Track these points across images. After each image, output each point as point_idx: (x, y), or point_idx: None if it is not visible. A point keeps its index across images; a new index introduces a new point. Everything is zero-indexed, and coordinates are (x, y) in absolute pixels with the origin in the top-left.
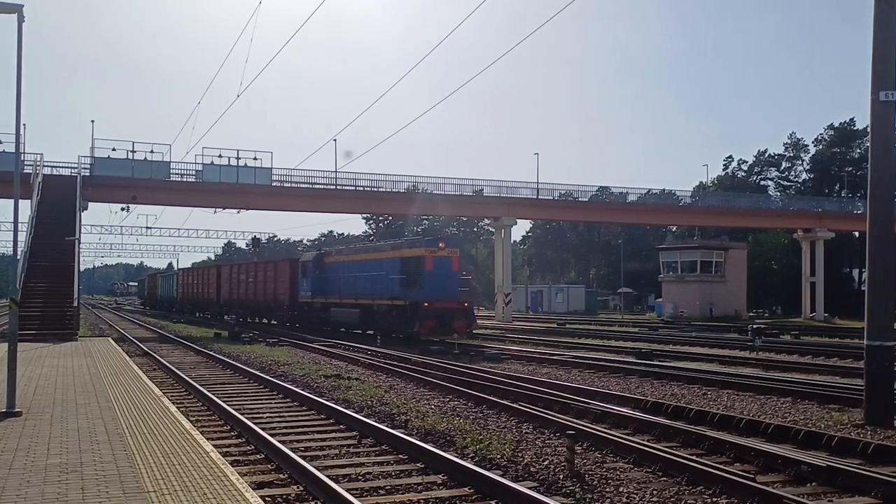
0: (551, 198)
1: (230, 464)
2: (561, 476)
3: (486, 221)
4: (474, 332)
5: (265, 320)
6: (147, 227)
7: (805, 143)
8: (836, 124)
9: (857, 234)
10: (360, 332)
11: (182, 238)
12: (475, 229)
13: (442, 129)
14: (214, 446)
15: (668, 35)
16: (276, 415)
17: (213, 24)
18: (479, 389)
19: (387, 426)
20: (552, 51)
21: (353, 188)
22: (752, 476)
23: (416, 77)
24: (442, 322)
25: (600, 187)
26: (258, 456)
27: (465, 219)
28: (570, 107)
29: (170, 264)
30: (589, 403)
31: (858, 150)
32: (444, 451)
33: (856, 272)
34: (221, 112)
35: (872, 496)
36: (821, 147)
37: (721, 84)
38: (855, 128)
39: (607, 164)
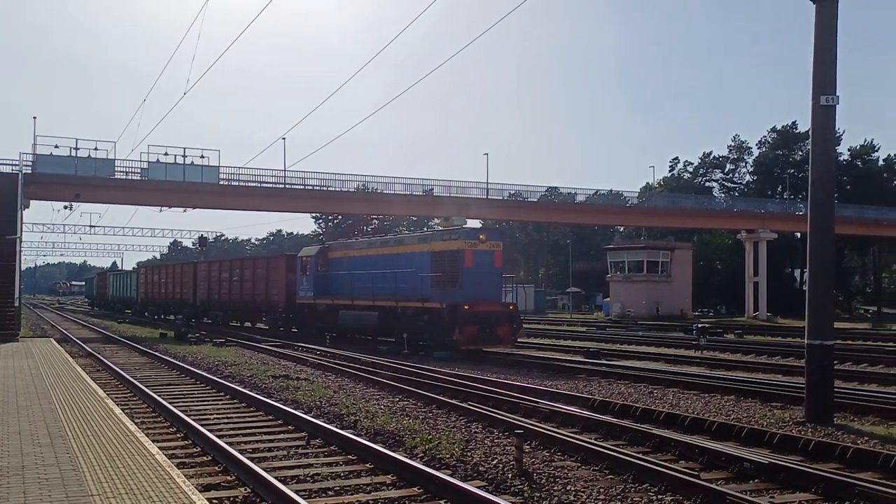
0: (501, 198)
1: (176, 466)
2: (509, 475)
3: (436, 221)
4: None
5: (250, 324)
6: (91, 226)
7: (749, 145)
8: (779, 127)
9: (798, 235)
10: (378, 338)
11: (127, 237)
12: (425, 229)
13: (394, 128)
14: (160, 448)
15: (617, 37)
16: (224, 416)
17: (160, 20)
18: (428, 389)
19: (336, 426)
20: (503, 51)
21: (302, 187)
22: (696, 473)
23: (369, 77)
24: (484, 329)
25: (549, 187)
26: (205, 458)
27: (415, 218)
28: (521, 107)
29: (114, 263)
30: (538, 402)
31: (800, 153)
32: (393, 451)
33: (798, 272)
34: (168, 110)
35: (812, 492)
36: (764, 149)
37: (668, 86)
38: (797, 131)
39: (556, 164)
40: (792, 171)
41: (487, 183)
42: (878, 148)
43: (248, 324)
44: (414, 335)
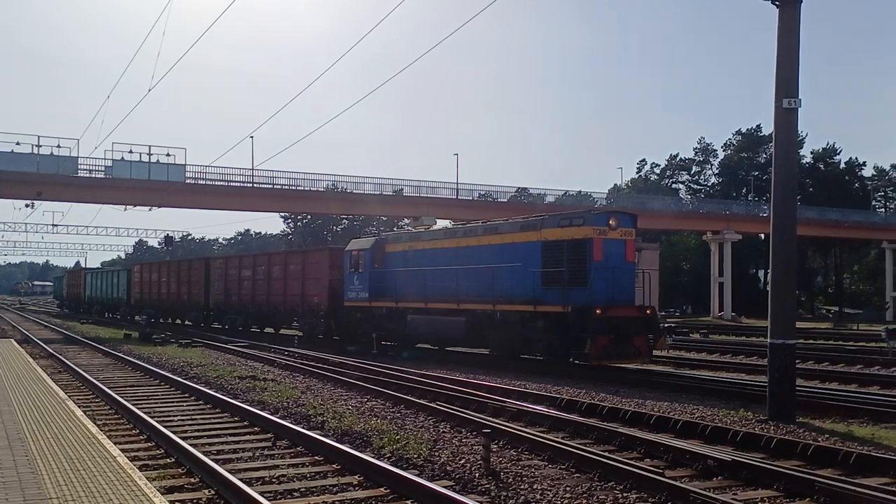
0: (470, 198)
1: (138, 468)
2: (477, 474)
3: (407, 221)
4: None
5: (272, 330)
6: (53, 225)
7: (714, 147)
8: (744, 130)
9: (762, 236)
10: (464, 349)
11: (90, 236)
12: (395, 229)
13: (366, 128)
14: (122, 451)
15: (586, 39)
16: (188, 417)
17: (124, 15)
18: (397, 389)
19: (303, 427)
20: (474, 51)
21: (270, 186)
22: (660, 471)
23: (341, 76)
24: (618, 339)
25: (519, 188)
26: (168, 460)
27: (385, 218)
28: (491, 107)
29: (77, 263)
30: (505, 402)
31: (764, 156)
32: (360, 451)
33: (762, 273)
34: (132, 106)
35: (774, 489)
36: (729, 152)
37: (635, 88)
38: (761, 134)
39: (526, 165)
40: (756, 173)
41: (457, 183)
42: (840, 151)
43: (268, 330)
44: (519, 345)
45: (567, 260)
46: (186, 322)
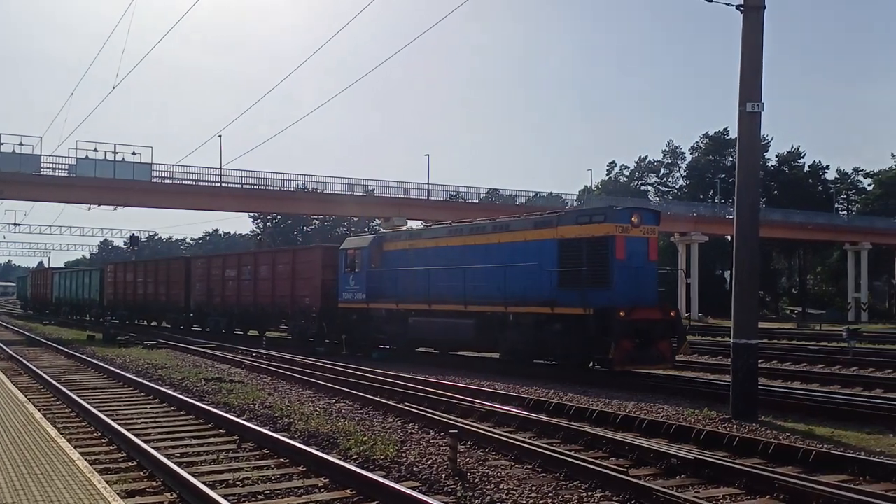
0: (442, 199)
1: (98, 472)
2: (443, 475)
3: (378, 222)
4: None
5: (257, 332)
6: (14, 224)
7: (682, 150)
8: (711, 133)
9: (728, 237)
10: (475, 352)
11: (54, 235)
12: (366, 230)
13: (339, 127)
14: (82, 454)
15: (558, 40)
16: (152, 420)
17: (89, 11)
18: (365, 390)
19: (269, 429)
20: (448, 51)
21: (239, 186)
22: (625, 470)
23: (315, 77)
24: (643, 342)
25: (490, 189)
26: (130, 463)
27: (356, 219)
28: (464, 107)
29: (40, 262)
30: (474, 402)
31: (731, 158)
32: (326, 453)
33: (728, 274)
34: (97, 104)
35: (736, 486)
36: (696, 155)
37: (606, 90)
38: (728, 137)
39: (497, 166)
40: (723, 175)
41: (428, 183)
42: (805, 154)
43: (253, 332)
44: (533, 350)
45: (587, 259)
46: (164, 324)
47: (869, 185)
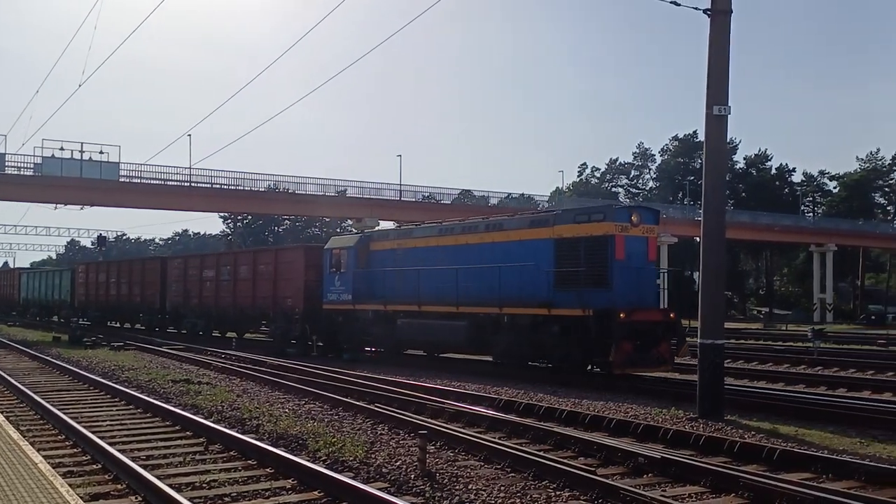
0: (414, 200)
1: (61, 475)
2: (412, 476)
3: (350, 222)
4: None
5: (235, 335)
6: None
7: (652, 152)
8: (681, 136)
9: (697, 239)
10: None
11: (19, 235)
12: (338, 230)
13: (311, 128)
14: (45, 457)
15: (529, 43)
16: (118, 422)
17: (54, 8)
18: (335, 392)
19: (236, 431)
20: (420, 52)
21: (209, 185)
22: (593, 469)
23: (292, 77)
24: (643, 344)
25: (463, 190)
26: (94, 466)
27: (328, 219)
28: (436, 108)
29: (5, 263)
30: (444, 403)
31: (700, 161)
32: (294, 454)
33: (696, 275)
34: (62, 102)
35: (701, 485)
36: (666, 157)
37: (578, 93)
38: (697, 139)
39: (471, 167)
40: (692, 177)
41: (400, 184)
42: (772, 157)
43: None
44: (528, 352)
45: (585, 259)
46: (138, 326)
47: (834, 187)
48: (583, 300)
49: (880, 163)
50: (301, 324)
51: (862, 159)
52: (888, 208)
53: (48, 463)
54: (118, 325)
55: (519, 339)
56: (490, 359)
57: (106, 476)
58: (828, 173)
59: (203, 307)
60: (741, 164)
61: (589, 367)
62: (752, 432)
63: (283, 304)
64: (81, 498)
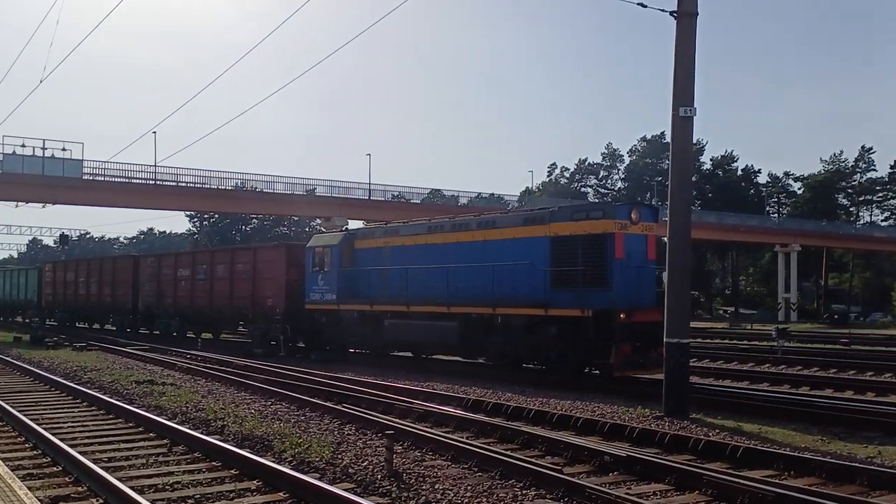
0: (384, 199)
1: (20, 478)
2: (379, 476)
3: (318, 221)
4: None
5: (211, 335)
6: None
7: (621, 153)
8: (649, 137)
9: (665, 239)
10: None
11: None
12: (307, 230)
13: (283, 126)
14: (3, 460)
15: (499, 42)
16: (79, 424)
17: (13, 1)
18: (303, 392)
19: (201, 433)
20: (391, 51)
21: (174, 184)
22: (559, 468)
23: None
24: (642, 346)
25: (433, 189)
26: (55, 469)
27: (296, 218)
28: (405, 107)
29: None
30: (412, 403)
31: (667, 161)
32: (260, 455)
33: (665, 275)
34: (23, 98)
35: (666, 483)
36: (634, 157)
37: (547, 92)
38: (665, 140)
39: (440, 167)
40: (660, 178)
41: (370, 183)
42: (738, 159)
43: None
44: (523, 354)
45: (582, 257)
46: (108, 327)
47: (799, 188)
48: (581, 300)
49: (844, 164)
50: (282, 324)
51: (826, 161)
52: (851, 209)
53: (7, 465)
54: (87, 325)
55: (513, 340)
56: (459, 359)
57: (66, 479)
58: (792, 175)
59: (178, 307)
60: (708, 166)
61: (587, 370)
62: (717, 430)
63: (263, 305)
64: (41, 501)
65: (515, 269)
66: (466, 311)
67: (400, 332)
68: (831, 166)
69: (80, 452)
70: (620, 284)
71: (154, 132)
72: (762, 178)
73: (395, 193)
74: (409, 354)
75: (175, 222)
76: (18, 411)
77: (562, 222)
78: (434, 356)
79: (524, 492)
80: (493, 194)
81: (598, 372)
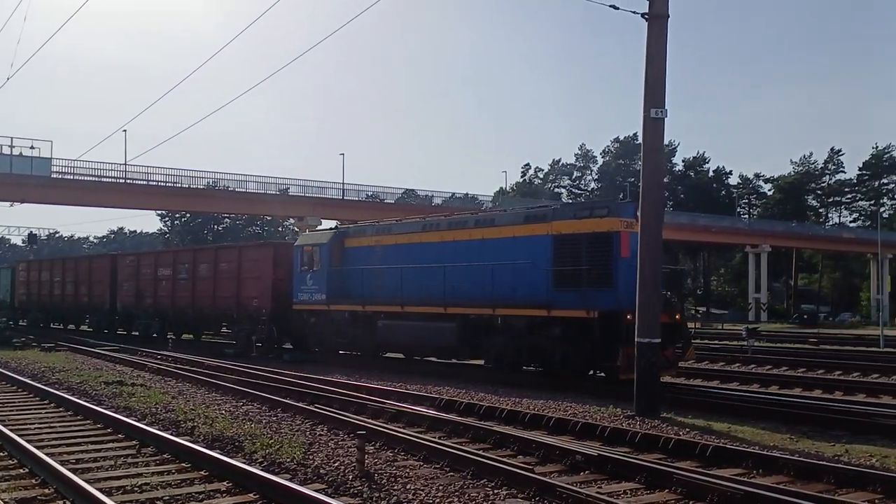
0: (358, 199)
1: None
2: (351, 476)
3: (292, 221)
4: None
5: (193, 336)
6: None
7: (594, 154)
8: (621, 138)
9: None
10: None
11: None
12: (280, 229)
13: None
14: None
15: (472, 42)
16: (46, 425)
17: None
18: (275, 392)
19: (170, 434)
20: (365, 51)
21: (145, 182)
22: (531, 467)
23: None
24: None
25: (406, 189)
26: (22, 470)
27: (269, 218)
28: (379, 108)
29: None
30: (385, 403)
31: (640, 162)
32: (230, 457)
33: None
34: None
35: (636, 481)
36: (607, 158)
37: (521, 92)
38: (637, 142)
39: (414, 167)
40: (632, 179)
41: (343, 183)
42: (709, 160)
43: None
44: (525, 356)
45: (586, 257)
46: (83, 327)
47: (769, 190)
48: (586, 301)
49: (813, 166)
50: (268, 325)
51: (796, 163)
52: (820, 211)
53: None
54: (63, 326)
55: (514, 342)
56: (434, 361)
57: (33, 480)
58: (763, 176)
59: (158, 308)
60: (680, 167)
61: (592, 373)
62: (687, 429)
63: (248, 305)
64: (6, 503)
65: (516, 268)
66: (465, 311)
67: (394, 334)
68: (801, 168)
69: (47, 454)
70: (626, 284)
71: (125, 130)
72: (733, 180)
73: (370, 193)
74: (396, 356)
75: (146, 222)
76: None
77: (564, 220)
78: (425, 358)
79: (496, 491)
80: (467, 194)
81: (602, 374)
